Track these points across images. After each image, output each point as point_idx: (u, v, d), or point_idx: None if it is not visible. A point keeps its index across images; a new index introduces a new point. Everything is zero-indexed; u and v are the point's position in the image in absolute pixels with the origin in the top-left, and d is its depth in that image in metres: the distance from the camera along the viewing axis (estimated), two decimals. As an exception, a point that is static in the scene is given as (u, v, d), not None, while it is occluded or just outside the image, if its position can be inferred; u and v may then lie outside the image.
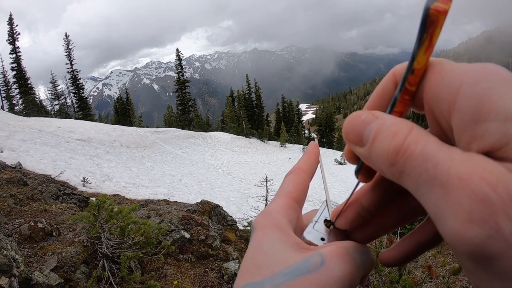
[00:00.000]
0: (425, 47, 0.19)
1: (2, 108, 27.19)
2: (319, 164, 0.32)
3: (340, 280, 0.22)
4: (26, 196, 4.32)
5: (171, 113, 40.11)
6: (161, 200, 6.97)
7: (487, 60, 0.19)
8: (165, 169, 13.93)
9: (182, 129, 28.94)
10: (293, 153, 27.52)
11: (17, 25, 30.35)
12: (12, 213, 3.58)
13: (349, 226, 0.28)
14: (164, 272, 3.27)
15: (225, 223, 4.87)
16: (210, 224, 4.19)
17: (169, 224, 3.76)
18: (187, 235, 3.77)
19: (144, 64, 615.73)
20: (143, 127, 28.70)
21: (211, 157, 20.50)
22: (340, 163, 25.61)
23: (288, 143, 34.10)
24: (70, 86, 33.80)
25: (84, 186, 7.98)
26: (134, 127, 24.54)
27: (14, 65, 30.61)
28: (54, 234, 3.01)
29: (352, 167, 0.25)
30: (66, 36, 33.19)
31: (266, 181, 9.20)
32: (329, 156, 28.33)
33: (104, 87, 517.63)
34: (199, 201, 5.22)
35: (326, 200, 0.31)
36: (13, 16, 30.28)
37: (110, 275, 2.65)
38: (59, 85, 34.26)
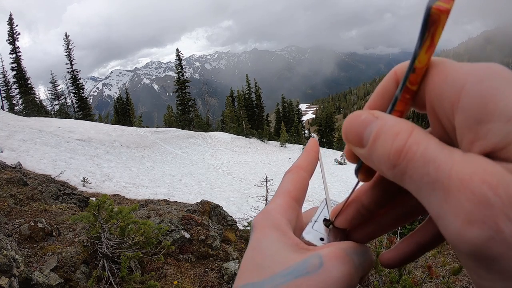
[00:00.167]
0: (426, 46, 0.19)
1: (2, 108, 27.20)
2: (318, 161, 0.31)
3: (338, 282, 0.22)
4: (26, 196, 4.32)
5: (171, 113, 40.11)
6: (161, 200, 6.97)
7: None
8: (165, 169, 13.93)
9: (182, 129, 28.94)
10: (293, 153, 27.51)
11: (17, 25, 30.36)
12: (12, 213, 3.58)
13: (348, 225, 0.28)
14: (164, 272, 3.27)
15: (225, 223, 4.87)
16: (210, 224, 4.19)
17: (169, 224, 3.76)
18: (187, 235, 3.77)
19: (144, 64, 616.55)
20: (143, 127, 28.70)
21: (211, 157, 20.50)
22: (340, 163, 25.61)
23: (288, 143, 34.10)
24: (70, 86, 33.81)
25: (84, 186, 7.98)
26: (134, 127, 24.54)
27: (14, 65, 30.62)
28: (54, 234, 3.01)
29: (352, 167, 0.25)
30: (66, 36, 33.21)
31: (266, 181, 9.20)
32: (329, 156, 28.33)
33: (104, 87, 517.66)
34: (199, 201, 5.22)
35: (326, 199, 0.31)
36: (13, 16, 30.29)
37: (110, 275, 2.65)
38: (59, 85, 34.29)
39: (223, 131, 35.97)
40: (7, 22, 30.57)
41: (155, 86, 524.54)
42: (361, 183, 0.26)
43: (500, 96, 0.16)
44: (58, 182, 6.69)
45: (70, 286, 2.56)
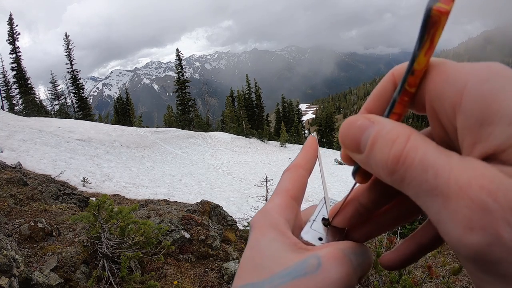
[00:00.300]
0: (426, 48, 0.19)
1: (2, 108, 27.20)
2: (317, 159, 0.31)
3: (336, 283, 0.22)
4: (26, 196, 4.32)
5: (171, 113, 40.12)
6: (161, 200, 6.97)
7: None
8: (165, 169, 13.93)
9: (182, 129, 28.94)
10: (293, 153, 27.50)
11: (17, 25, 30.37)
12: (12, 213, 3.58)
13: (347, 225, 0.28)
14: (164, 272, 3.27)
15: (225, 223, 4.87)
16: (210, 224, 4.19)
17: (169, 224, 3.76)
18: (187, 235, 3.77)
19: (144, 64, 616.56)
20: (143, 127, 28.71)
21: (211, 157, 20.50)
22: (340, 163, 25.59)
23: (288, 143, 34.11)
24: (70, 86, 33.82)
25: (84, 186, 7.98)
26: (134, 127, 24.54)
27: (14, 65, 30.63)
28: (54, 234, 3.01)
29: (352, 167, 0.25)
30: (66, 36, 33.22)
31: (266, 181, 9.22)
32: (329, 156, 28.32)
33: (104, 87, 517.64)
34: (199, 201, 5.22)
35: (325, 198, 0.31)
36: (13, 16, 30.29)
37: (110, 275, 2.65)
38: (59, 85, 34.30)
39: (223, 131, 35.97)
40: (7, 22, 30.58)
41: (155, 86, 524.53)
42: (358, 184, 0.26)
43: (503, 97, 0.16)
44: (58, 182, 6.68)
45: (70, 286, 2.56)
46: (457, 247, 0.17)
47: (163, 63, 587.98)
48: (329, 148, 40.45)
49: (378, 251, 3.27)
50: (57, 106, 33.85)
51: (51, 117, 24.73)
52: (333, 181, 13.72)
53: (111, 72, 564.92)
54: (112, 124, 27.04)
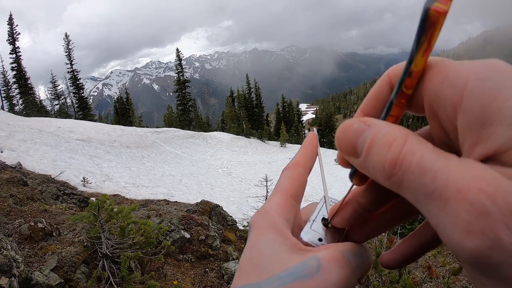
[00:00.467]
0: (423, 49, 0.18)
1: (2, 108, 27.20)
2: (317, 157, 0.31)
3: (336, 285, 0.22)
4: (26, 196, 4.32)
5: (171, 113, 40.13)
6: (161, 200, 6.97)
7: None
8: (165, 169, 13.94)
9: (182, 129, 28.95)
10: (293, 153, 27.29)
11: (17, 25, 30.39)
12: (12, 213, 3.58)
13: (346, 225, 0.28)
14: (164, 272, 3.27)
15: (225, 223, 4.87)
16: (210, 224, 4.19)
17: (169, 224, 3.76)
18: (187, 235, 3.77)
19: (144, 64, 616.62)
20: (143, 127, 28.71)
21: (211, 157, 20.51)
22: (340, 163, 25.55)
23: (288, 143, 34.12)
24: (70, 86, 33.83)
25: (84, 186, 7.98)
26: (134, 127, 24.55)
27: (14, 65, 30.64)
28: (54, 234, 3.01)
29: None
30: (66, 36, 33.23)
31: (266, 181, 9.22)
32: (329, 156, 28.31)
33: (104, 87, 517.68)
34: (199, 201, 5.22)
35: (325, 197, 0.30)
36: (13, 16, 30.30)
37: (110, 275, 2.65)
38: (59, 85, 34.32)
39: (223, 131, 35.98)
40: (7, 22, 30.59)
41: (155, 86, 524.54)
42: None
43: (504, 97, 0.16)
44: (58, 182, 6.69)
45: (70, 286, 2.56)
46: (456, 250, 0.16)
47: (163, 63, 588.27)
48: (329, 148, 40.42)
49: (378, 251, 3.27)
50: (57, 106, 33.87)
51: (51, 117, 24.73)
52: (333, 181, 13.72)
53: (111, 72, 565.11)
54: (112, 124, 27.04)
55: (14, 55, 30.61)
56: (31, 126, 12.79)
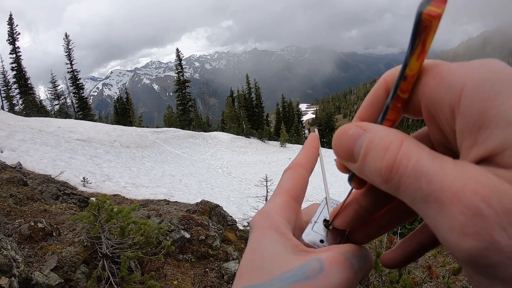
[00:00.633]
0: (417, 53, 0.18)
1: (2, 108, 27.20)
2: (319, 158, 0.31)
3: (338, 287, 0.22)
4: (26, 196, 4.32)
5: (171, 113, 40.12)
6: (161, 200, 6.97)
7: None
8: (165, 169, 13.94)
9: (182, 129, 28.93)
10: (293, 153, 27.49)
11: (17, 25, 30.37)
12: (12, 213, 3.58)
13: (347, 226, 0.28)
14: (164, 272, 3.27)
15: (225, 223, 4.87)
16: (210, 224, 4.19)
17: (169, 224, 3.76)
18: (187, 235, 3.77)
19: (144, 64, 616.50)
20: (143, 127, 28.70)
21: (211, 157, 20.50)
22: (340, 163, 25.54)
23: (288, 143, 34.09)
24: (70, 86, 33.80)
25: (84, 186, 7.98)
26: (134, 127, 24.54)
27: (14, 65, 30.62)
28: (54, 234, 3.01)
29: None
30: (66, 36, 33.21)
31: (266, 181, 9.22)
32: (329, 156, 28.30)
33: (104, 87, 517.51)
34: (199, 201, 5.22)
35: (326, 198, 0.30)
36: (13, 16, 30.29)
37: (110, 275, 2.65)
38: (59, 85, 34.27)
39: (223, 131, 35.97)
40: (7, 22, 30.56)
41: (155, 86, 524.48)
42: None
43: (500, 100, 0.16)
44: (58, 182, 6.68)
45: (70, 286, 2.56)
46: (453, 251, 0.17)
47: (163, 63, 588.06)
48: (330, 148, 40.39)
49: (378, 251, 3.27)
50: (57, 106, 33.83)
51: (51, 117, 24.73)
52: (333, 181, 13.71)
53: (111, 72, 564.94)
54: (112, 124, 27.03)
55: (14, 55, 30.60)
56: (31, 126, 12.78)
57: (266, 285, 0.22)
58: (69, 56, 33.21)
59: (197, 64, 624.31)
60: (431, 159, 0.18)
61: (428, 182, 0.17)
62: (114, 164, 11.97)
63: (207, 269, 3.59)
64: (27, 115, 21.84)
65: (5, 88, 30.78)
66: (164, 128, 27.57)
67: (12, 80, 30.98)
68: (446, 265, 3.56)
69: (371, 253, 0.26)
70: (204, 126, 38.22)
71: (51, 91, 34.05)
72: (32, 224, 2.95)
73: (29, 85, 31.51)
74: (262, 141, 34.06)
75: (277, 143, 34.04)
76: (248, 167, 19.15)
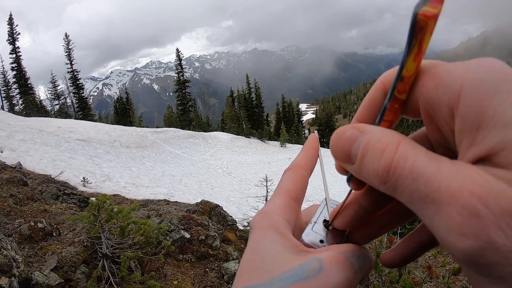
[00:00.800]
0: (414, 54, 0.18)
1: (2, 108, 27.20)
2: (318, 159, 0.31)
3: (338, 287, 0.22)
4: (26, 196, 4.32)
5: (171, 113, 40.11)
6: (161, 200, 6.97)
7: None
8: (165, 169, 13.94)
9: (182, 129, 28.93)
10: (293, 153, 27.49)
11: (17, 25, 30.35)
12: (12, 213, 3.58)
13: (347, 227, 0.28)
14: (164, 272, 3.27)
15: (225, 223, 4.87)
16: (210, 224, 4.19)
17: (169, 224, 3.76)
18: (187, 235, 3.77)
19: (144, 64, 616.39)
20: (143, 127, 28.70)
21: (211, 157, 20.50)
22: (340, 163, 25.52)
23: (288, 143, 34.08)
24: (70, 86, 33.79)
25: (84, 186, 7.98)
26: (134, 127, 24.54)
27: (14, 65, 30.61)
28: (54, 234, 3.01)
29: None
30: (66, 36, 33.20)
31: (266, 181, 9.22)
32: (329, 156, 27.70)
33: (104, 87, 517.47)
34: (199, 201, 5.22)
35: (326, 199, 0.30)
36: (13, 16, 30.28)
37: (110, 275, 2.65)
38: (59, 85, 34.25)
39: (223, 131, 35.97)
40: (7, 22, 30.55)
41: (155, 86, 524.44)
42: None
43: (498, 99, 0.16)
44: (58, 182, 6.68)
45: (70, 286, 2.56)
46: (451, 251, 0.17)
47: (163, 63, 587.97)
48: (329, 148, 40.31)
49: (378, 251, 3.27)
50: (57, 106, 33.82)
51: (51, 117, 24.72)
52: (333, 180, 13.71)
53: (111, 72, 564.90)
54: (112, 124, 27.02)
55: (14, 55, 30.59)
56: (31, 126, 12.78)
57: (266, 285, 0.22)
58: (69, 56, 33.19)
59: (197, 64, 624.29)
60: (428, 159, 0.18)
61: (425, 183, 0.17)
62: (114, 164, 11.97)
63: (207, 269, 3.59)
64: (27, 115, 21.83)
65: (5, 88, 30.77)
66: (164, 128, 27.56)
67: (12, 80, 30.97)
68: (446, 265, 3.57)
69: (371, 253, 0.26)
70: (204, 126, 38.23)
71: (51, 91, 34.05)
72: (32, 224, 2.95)
73: (29, 85, 31.50)
74: (262, 141, 34.06)
75: (277, 143, 34.03)
76: (248, 167, 19.15)
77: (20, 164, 7.06)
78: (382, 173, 0.19)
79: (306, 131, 54.22)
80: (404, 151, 0.18)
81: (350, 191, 0.26)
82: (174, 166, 15.16)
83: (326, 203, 0.30)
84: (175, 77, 38.73)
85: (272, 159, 24.36)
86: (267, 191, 9.14)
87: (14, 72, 30.75)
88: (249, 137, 33.86)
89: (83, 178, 8.24)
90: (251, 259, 0.24)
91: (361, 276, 0.24)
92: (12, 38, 30.30)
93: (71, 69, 33.64)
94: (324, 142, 47.18)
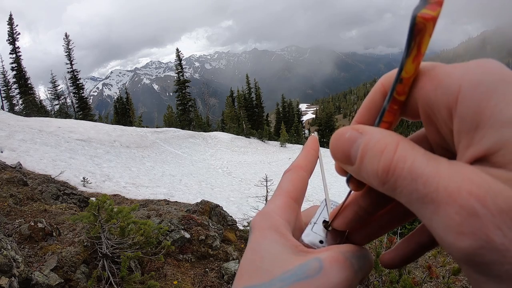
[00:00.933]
0: (413, 55, 0.18)
1: (2, 108, 27.20)
2: (318, 160, 0.31)
3: (338, 287, 0.22)
4: (26, 196, 4.32)
5: (171, 113, 40.11)
6: (161, 200, 6.97)
7: None
8: (165, 169, 13.94)
9: (182, 129, 28.93)
10: (293, 153, 27.49)
11: (17, 25, 30.35)
12: (12, 213, 3.58)
13: (347, 227, 0.28)
14: (164, 272, 3.27)
15: (225, 223, 4.87)
16: (210, 224, 4.19)
17: (169, 224, 3.76)
18: (187, 235, 3.77)
19: (144, 64, 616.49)
20: (143, 127, 28.70)
21: (211, 157, 20.50)
22: (340, 163, 25.51)
23: (288, 143, 34.08)
24: (70, 86, 33.79)
25: (84, 186, 7.98)
26: (134, 127, 24.54)
27: (14, 65, 30.61)
28: (54, 234, 3.01)
29: None
30: (66, 36, 33.20)
31: (266, 181, 9.21)
32: (329, 156, 27.75)
33: (104, 87, 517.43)
34: (199, 201, 5.22)
35: (325, 199, 0.30)
36: (13, 16, 30.28)
37: (110, 275, 2.65)
38: (59, 85, 34.24)
39: (223, 131, 35.97)
40: (7, 22, 30.55)
41: (155, 86, 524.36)
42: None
43: (496, 100, 0.16)
44: (58, 182, 6.68)
45: (70, 286, 2.56)
46: (450, 251, 0.17)
47: (163, 63, 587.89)
48: (329, 148, 40.29)
49: (378, 251, 3.27)
50: (57, 106, 33.81)
51: (51, 117, 24.72)
52: (333, 181, 13.70)
53: (111, 72, 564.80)
54: (112, 124, 27.02)
55: (14, 55, 30.58)
56: (31, 126, 12.78)
57: (266, 285, 0.22)
58: (69, 56, 33.19)
59: (197, 64, 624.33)
60: (427, 160, 0.18)
61: (424, 184, 0.17)
62: (114, 164, 11.97)
63: (207, 269, 3.59)
64: (27, 115, 21.83)
65: (5, 88, 30.77)
66: (164, 128, 27.56)
67: (12, 80, 30.97)
68: (446, 265, 3.57)
69: (371, 253, 0.26)
70: (204, 126, 38.23)
71: (51, 91, 34.04)
72: (32, 224, 2.95)
73: (29, 85, 31.49)
74: (262, 141, 34.05)
75: (277, 143, 34.03)
76: (248, 167, 19.15)
77: (20, 164, 7.06)
78: (381, 174, 0.19)
79: (306, 131, 54.23)
80: (403, 152, 0.19)
81: (350, 192, 0.27)
82: (174, 166, 15.16)
83: (326, 204, 0.30)
84: (175, 77, 38.72)
85: (272, 159, 24.36)
86: (267, 191, 9.14)
87: (14, 72, 30.75)
88: (249, 137, 33.86)
89: (83, 178, 8.24)
90: (251, 259, 0.25)
91: (361, 276, 0.24)
92: (12, 38, 30.30)
93: (71, 69, 33.63)
94: (324, 142, 47.16)
